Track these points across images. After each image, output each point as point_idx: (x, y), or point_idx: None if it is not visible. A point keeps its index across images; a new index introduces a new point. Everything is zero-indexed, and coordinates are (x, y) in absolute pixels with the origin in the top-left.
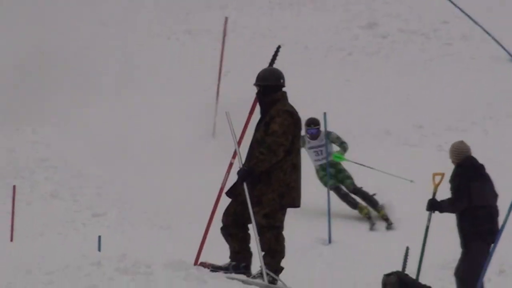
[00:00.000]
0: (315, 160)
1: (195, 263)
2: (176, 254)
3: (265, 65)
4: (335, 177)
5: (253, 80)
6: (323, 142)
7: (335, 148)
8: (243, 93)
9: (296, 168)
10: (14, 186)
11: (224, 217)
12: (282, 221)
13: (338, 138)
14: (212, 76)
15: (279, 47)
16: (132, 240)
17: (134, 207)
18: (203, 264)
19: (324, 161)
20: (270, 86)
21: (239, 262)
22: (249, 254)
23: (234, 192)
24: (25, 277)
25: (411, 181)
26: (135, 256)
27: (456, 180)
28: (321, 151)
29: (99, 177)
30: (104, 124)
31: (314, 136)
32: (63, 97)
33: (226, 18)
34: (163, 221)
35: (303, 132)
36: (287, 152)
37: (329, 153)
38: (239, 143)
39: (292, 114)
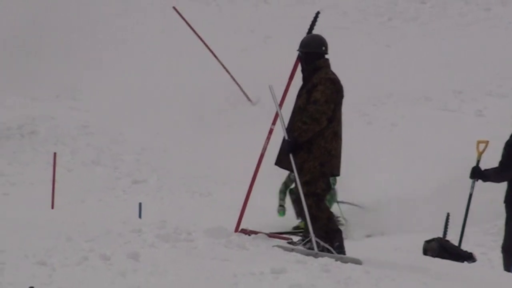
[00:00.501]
0: None
1: (236, 230)
2: (216, 221)
3: (305, 31)
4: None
5: (292, 46)
6: None
7: None
8: (283, 58)
9: (337, 136)
10: (54, 153)
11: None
12: (323, 189)
13: None
14: (250, 41)
15: (318, 13)
16: (172, 207)
17: (174, 174)
18: (244, 231)
19: None
20: (312, 53)
21: (332, 242)
22: (339, 233)
23: (281, 162)
24: (65, 244)
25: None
26: (175, 223)
27: (509, 148)
28: None
29: (138, 144)
30: (143, 90)
31: None
32: (102, 64)
33: None
34: (203, 188)
35: None
36: (329, 120)
37: None
38: (279, 106)
39: (334, 82)
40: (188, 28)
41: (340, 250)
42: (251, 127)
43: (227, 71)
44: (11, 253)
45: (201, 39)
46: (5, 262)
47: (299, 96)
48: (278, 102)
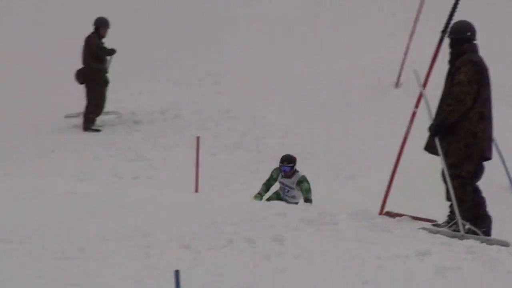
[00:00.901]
0: (282, 193)
1: (380, 213)
2: (360, 204)
3: (447, 13)
4: None
5: (435, 28)
6: (294, 185)
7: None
8: (425, 41)
9: (483, 117)
10: (197, 137)
11: None
12: (469, 171)
13: (307, 191)
14: (392, 25)
15: None
16: (315, 190)
17: (318, 157)
18: (389, 214)
19: (285, 197)
20: (457, 38)
21: (479, 228)
22: (487, 219)
23: (429, 147)
24: (210, 228)
25: None
26: (319, 206)
27: None
28: (289, 191)
29: (282, 127)
30: (286, 74)
31: (287, 174)
32: (244, 49)
33: None
34: (347, 171)
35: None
36: (473, 101)
37: (293, 196)
38: (423, 85)
39: (476, 64)
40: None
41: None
42: (395, 110)
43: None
44: (157, 237)
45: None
46: (151, 246)
47: (446, 82)
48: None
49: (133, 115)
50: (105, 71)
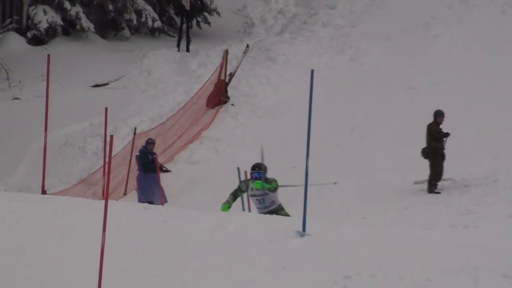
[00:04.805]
0: (258, 208)
1: None
2: None
3: None
4: None
5: None
6: (265, 191)
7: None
8: None
9: None
10: None
11: None
12: None
13: (273, 181)
14: None
15: None
16: None
17: None
18: None
19: (265, 210)
20: None
21: None
22: None
23: None
24: None
25: (335, 183)
26: None
27: None
28: (263, 199)
29: None
30: None
31: (257, 179)
32: None
33: None
34: None
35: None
36: None
37: (271, 202)
38: None
39: None
40: None
41: None
42: None
43: None
44: (483, 269)
45: None
46: (479, 276)
47: None
48: None
49: (464, 180)
50: (442, 148)
